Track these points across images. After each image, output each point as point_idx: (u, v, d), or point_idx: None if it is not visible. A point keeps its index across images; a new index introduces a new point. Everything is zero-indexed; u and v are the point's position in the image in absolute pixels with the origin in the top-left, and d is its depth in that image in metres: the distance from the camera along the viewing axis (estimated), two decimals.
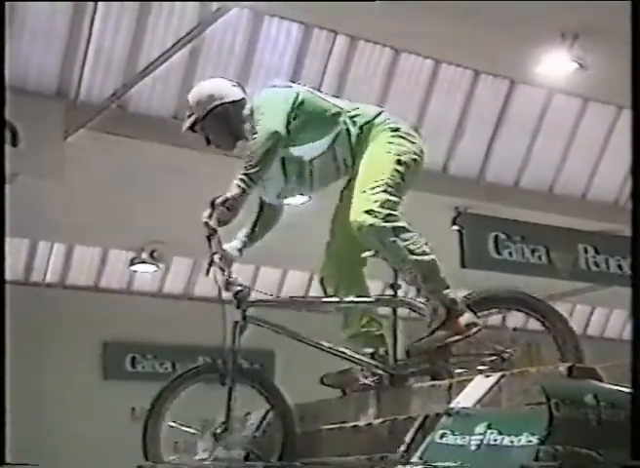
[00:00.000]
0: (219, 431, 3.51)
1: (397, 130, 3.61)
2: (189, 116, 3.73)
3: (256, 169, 3.39)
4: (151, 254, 12.07)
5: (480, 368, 3.48)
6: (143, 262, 12.19)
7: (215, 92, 3.70)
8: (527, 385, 2.87)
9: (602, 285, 12.18)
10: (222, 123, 3.64)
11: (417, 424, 3.07)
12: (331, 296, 3.73)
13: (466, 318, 3.44)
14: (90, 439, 11.62)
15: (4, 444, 2.95)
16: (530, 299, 3.70)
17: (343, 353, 3.58)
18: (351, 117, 3.60)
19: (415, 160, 3.60)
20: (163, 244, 11.83)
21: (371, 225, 3.37)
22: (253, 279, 13.61)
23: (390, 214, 3.39)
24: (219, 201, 3.38)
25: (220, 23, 8.10)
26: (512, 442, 2.48)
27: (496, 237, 10.91)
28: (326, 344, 3.59)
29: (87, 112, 8.56)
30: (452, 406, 2.96)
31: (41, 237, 12.62)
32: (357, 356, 3.59)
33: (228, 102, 3.66)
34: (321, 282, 3.77)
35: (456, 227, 10.78)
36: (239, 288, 3.46)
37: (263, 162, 3.40)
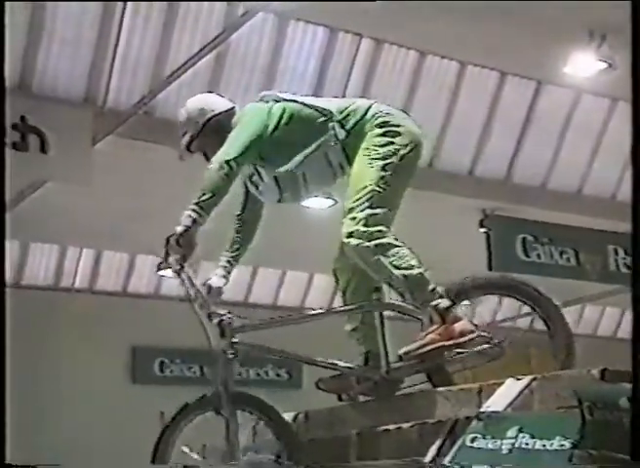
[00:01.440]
0: (225, 457, 3.43)
1: (384, 125, 3.51)
2: (183, 136, 3.68)
3: (206, 197, 3.35)
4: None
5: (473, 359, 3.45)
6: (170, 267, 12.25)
7: (204, 105, 3.69)
8: (559, 388, 2.84)
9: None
10: (218, 136, 3.57)
11: (447, 428, 3.04)
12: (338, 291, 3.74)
13: (462, 325, 3.41)
14: (119, 442, 11.68)
15: (4, 444, 2.95)
16: (521, 286, 3.67)
17: (335, 365, 3.56)
18: (340, 121, 3.54)
19: (405, 154, 3.51)
20: None
21: (355, 246, 3.36)
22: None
23: (374, 232, 3.36)
24: (172, 239, 3.35)
25: (246, 28, 8.13)
26: (544, 446, 2.45)
27: (524, 239, 10.84)
28: (318, 359, 3.59)
29: (114, 119, 8.62)
30: (482, 409, 2.94)
31: (70, 243, 12.73)
32: (348, 366, 3.59)
33: (219, 114, 3.64)
34: (334, 273, 3.73)
35: (483, 230, 10.72)
36: (221, 317, 3.42)
37: (215, 191, 3.36)
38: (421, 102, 10.10)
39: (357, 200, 3.39)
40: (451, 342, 3.39)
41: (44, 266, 13.08)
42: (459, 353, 3.45)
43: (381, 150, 3.46)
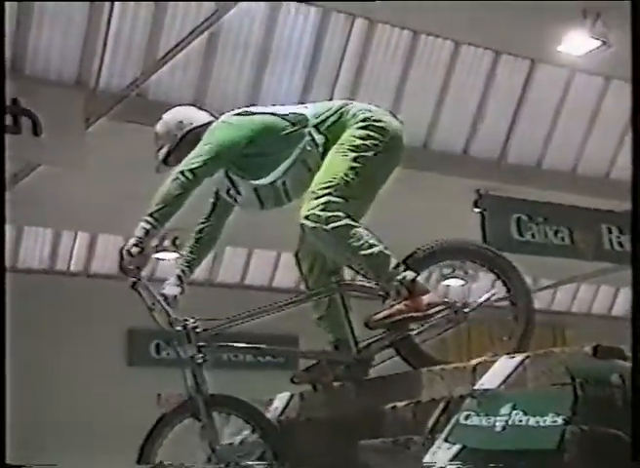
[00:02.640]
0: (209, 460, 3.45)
1: (365, 120, 3.50)
2: (159, 150, 3.66)
3: (159, 208, 3.35)
4: (173, 242, 12.13)
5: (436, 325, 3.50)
6: (165, 250, 12.25)
7: (183, 118, 3.66)
8: (552, 365, 2.86)
9: (627, 265, 12.06)
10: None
11: (441, 406, 3.07)
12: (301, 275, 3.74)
13: (430, 297, 3.44)
14: (116, 424, 11.73)
15: (4, 444, 2.95)
16: (481, 250, 3.70)
17: (304, 353, 3.62)
18: (316, 125, 3.52)
19: (382, 150, 3.49)
20: (184, 231, 11.86)
21: (312, 229, 3.37)
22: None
23: (331, 217, 3.35)
24: (125, 250, 3.36)
25: (238, 9, 8.08)
26: (538, 422, 2.48)
27: (518, 219, 10.85)
28: (286, 349, 3.63)
29: (107, 101, 8.58)
30: (476, 387, 2.96)
31: (64, 226, 12.71)
32: (319, 352, 3.65)
33: (198, 127, 3.60)
34: (296, 256, 3.73)
35: (477, 210, 10.73)
36: (185, 323, 3.44)
37: (169, 202, 3.36)
38: (415, 82, 10.07)
39: (321, 185, 3.39)
40: (419, 314, 3.41)
41: (38, 250, 13.07)
42: (422, 324, 3.48)
43: (357, 142, 3.45)
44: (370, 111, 3.55)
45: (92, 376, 12.38)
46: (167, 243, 12.21)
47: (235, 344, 3.59)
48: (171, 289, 3.63)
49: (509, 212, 10.83)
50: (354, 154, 3.43)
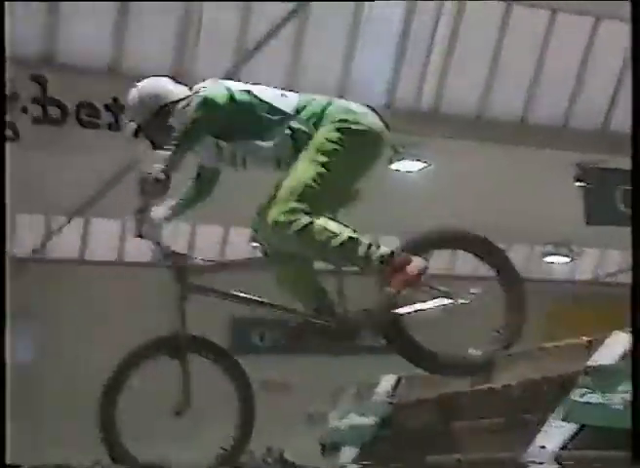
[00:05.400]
0: (176, 409, 3.37)
1: (341, 122, 3.40)
2: (130, 121, 3.53)
3: (183, 133, 3.27)
4: None
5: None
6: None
7: (160, 91, 3.52)
8: None
9: None
10: (170, 124, 3.43)
11: (554, 384, 3.02)
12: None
13: (415, 265, 3.33)
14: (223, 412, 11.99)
15: (4, 445, 3.03)
16: (471, 237, 3.58)
17: (295, 311, 3.53)
18: (295, 116, 3.43)
19: (355, 152, 3.41)
20: None
21: (281, 236, 3.32)
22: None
23: (294, 221, 3.29)
24: (151, 177, 3.23)
25: None
26: None
27: (624, 191, 10.52)
28: (276, 303, 3.53)
29: None
30: (590, 363, 2.89)
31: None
32: (309, 313, 3.52)
33: (175, 101, 3.47)
34: (252, 237, 3.66)
35: (579, 184, 10.46)
36: (175, 257, 3.38)
37: (192, 127, 3.28)
38: (510, 53, 9.88)
39: (287, 192, 3.33)
40: (414, 285, 3.32)
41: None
42: (418, 310, 3.40)
43: (328, 146, 3.38)
44: (350, 111, 3.46)
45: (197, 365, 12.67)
46: None
47: (224, 291, 3.52)
48: (157, 212, 3.46)
49: (614, 183, 10.51)
50: (323, 159, 3.35)
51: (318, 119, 3.42)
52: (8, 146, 8.84)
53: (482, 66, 9.80)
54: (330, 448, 4.94)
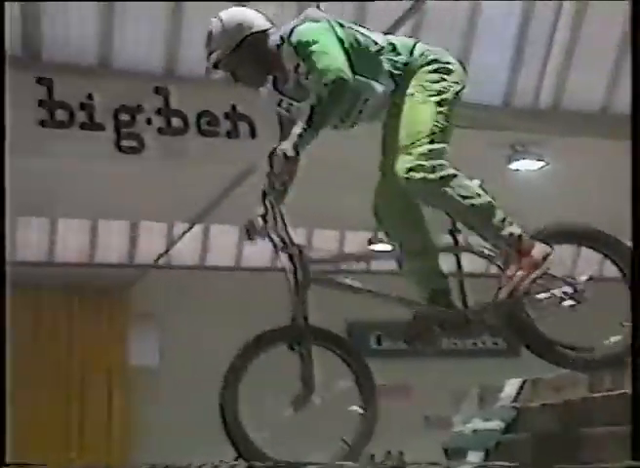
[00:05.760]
0: (298, 400, 3.19)
1: (433, 62, 3.37)
2: (212, 52, 3.41)
3: (320, 118, 3.13)
4: None
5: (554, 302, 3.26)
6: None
7: (243, 21, 3.40)
8: None
9: None
10: (252, 56, 3.36)
11: None
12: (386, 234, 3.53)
13: (539, 250, 3.25)
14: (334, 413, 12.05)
15: (4, 445, 2.96)
16: (603, 236, 3.45)
17: (413, 302, 3.41)
18: (389, 53, 3.36)
19: (457, 93, 3.38)
20: None
21: (419, 180, 3.20)
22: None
23: (437, 165, 3.21)
24: (279, 153, 3.11)
25: None
26: None
27: None
28: (397, 296, 3.39)
29: None
30: None
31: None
32: (433, 306, 3.39)
33: (259, 32, 3.38)
34: (375, 213, 3.50)
35: None
36: (299, 247, 3.26)
37: (330, 110, 3.16)
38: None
39: (416, 135, 3.25)
40: (539, 272, 3.23)
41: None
42: (540, 300, 3.27)
43: (435, 86, 3.34)
44: (437, 53, 3.43)
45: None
46: None
47: (344, 282, 3.41)
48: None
49: None
50: (437, 98, 3.32)
51: (410, 55, 3.38)
52: (135, 157, 9.22)
53: (604, 62, 9.51)
54: (453, 453, 4.91)
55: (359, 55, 3.31)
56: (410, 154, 3.23)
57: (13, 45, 8.07)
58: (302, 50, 3.26)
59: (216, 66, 3.42)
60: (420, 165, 3.21)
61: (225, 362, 3.24)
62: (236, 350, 3.23)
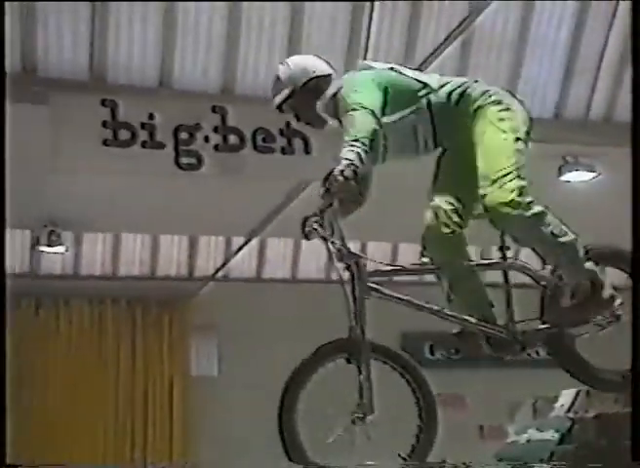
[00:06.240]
0: (356, 415, 3.19)
1: (500, 102, 3.41)
2: (278, 92, 3.57)
3: (366, 136, 3.20)
4: None
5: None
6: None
7: (308, 66, 3.59)
8: None
9: None
10: (313, 98, 3.50)
11: None
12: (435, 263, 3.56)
13: (607, 291, 3.29)
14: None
15: (4, 445, 2.95)
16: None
17: (467, 321, 3.42)
18: (437, 90, 3.43)
19: (527, 132, 3.42)
20: None
21: (515, 216, 3.21)
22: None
23: (529, 202, 3.23)
24: (338, 173, 3.19)
25: (490, 10, 8.01)
26: None
27: None
28: (450, 313, 3.42)
29: None
30: None
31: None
32: (482, 324, 3.41)
33: (322, 76, 3.55)
34: (423, 244, 3.58)
35: None
36: (356, 258, 3.28)
37: (372, 135, 3.22)
38: None
39: (504, 170, 3.25)
40: (604, 311, 3.30)
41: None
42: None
43: (509, 126, 3.36)
44: (499, 94, 3.48)
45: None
46: None
47: (400, 296, 3.44)
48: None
49: None
50: (515, 136, 3.34)
51: (459, 96, 3.44)
52: (193, 174, 9.35)
53: None
54: (507, 464, 4.86)
55: (399, 96, 3.40)
56: (502, 188, 3.22)
57: (80, 70, 8.36)
58: (344, 105, 3.35)
59: (279, 107, 3.58)
60: (516, 201, 3.21)
61: (282, 372, 3.25)
62: (293, 361, 3.25)
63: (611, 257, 3.47)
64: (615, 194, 11.10)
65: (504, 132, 3.34)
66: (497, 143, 3.33)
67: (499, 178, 3.23)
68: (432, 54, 8.26)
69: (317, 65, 3.61)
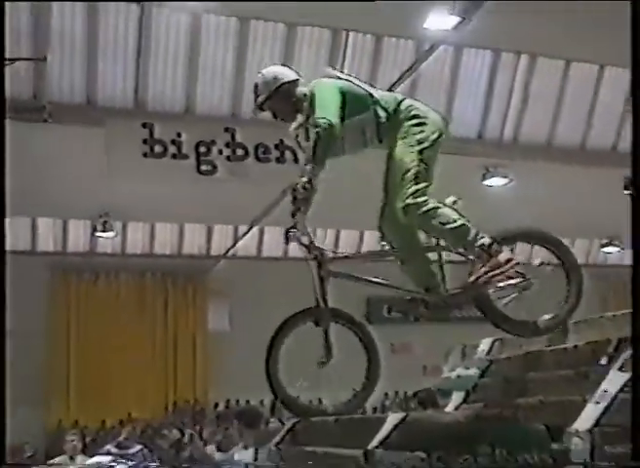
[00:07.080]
0: (321, 360, 3.25)
1: (416, 116, 3.37)
2: (257, 97, 3.53)
3: (314, 153, 3.17)
4: None
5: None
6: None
7: (277, 74, 3.52)
8: None
9: None
10: (286, 98, 3.45)
11: (613, 344, 2.95)
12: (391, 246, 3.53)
13: (504, 255, 3.28)
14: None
15: (4, 444, 2.65)
16: (542, 234, 3.47)
17: (409, 290, 3.44)
18: (378, 102, 3.40)
19: (434, 140, 3.37)
20: None
21: (411, 215, 3.27)
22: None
23: (421, 202, 3.25)
24: (300, 185, 3.16)
25: (432, 58, 8.04)
26: None
27: None
28: (394, 285, 3.42)
29: None
30: None
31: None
32: (417, 291, 3.44)
33: (289, 81, 3.48)
34: (379, 230, 3.52)
35: (627, 192, 9.93)
36: (321, 251, 3.32)
37: (324, 153, 3.19)
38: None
39: (405, 179, 3.30)
40: (501, 270, 3.27)
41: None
42: (500, 286, 3.30)
43: (417, 137, 3.35)
44: (418, 108, 3.43)
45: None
46: None
47: (356, 275, 3.44)
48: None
49: None
50: (418, 147, 3.34)
51: (394, 109, 3.41)
52: (210, 178, 9.33)
53: (549, 105, 9.53)
54: (442, 393, 4.94)
55: (354, 102, 3.36)
56: (404, 194, 3.29)
57: (127, 100, 8.46)
58: (312, 101, 3.35)
59: (260, 107, 3.54)
60: (413, 203, 3.27)
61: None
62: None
63: (521, 235, 3.49)
64: (522, 195, 11.33)
65: (410, 145, 3.35)
66: (402, 156, 3.34)
67: (400, 186, 3.30)
68: (389, 90, 8.28)
69: (285, 73, 3.54)
